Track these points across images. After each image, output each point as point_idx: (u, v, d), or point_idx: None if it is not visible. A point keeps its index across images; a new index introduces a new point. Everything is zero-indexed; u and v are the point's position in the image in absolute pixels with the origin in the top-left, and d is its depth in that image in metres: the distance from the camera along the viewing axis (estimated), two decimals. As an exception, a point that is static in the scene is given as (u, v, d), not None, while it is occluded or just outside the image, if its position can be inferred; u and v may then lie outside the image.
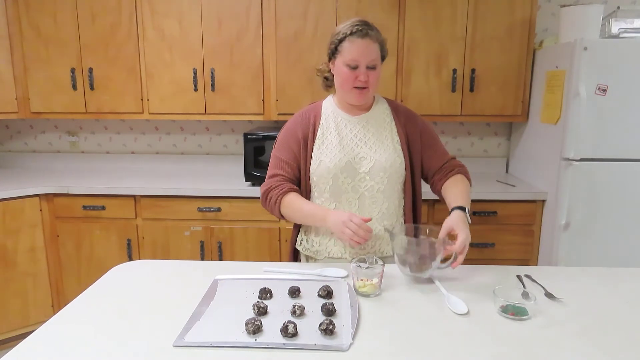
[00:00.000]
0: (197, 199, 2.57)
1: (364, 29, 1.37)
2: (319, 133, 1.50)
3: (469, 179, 1.57)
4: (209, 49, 2.68)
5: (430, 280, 1.32)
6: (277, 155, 1.54)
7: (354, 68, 1.39)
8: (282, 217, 1.52)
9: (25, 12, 2.68)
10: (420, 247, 1.28)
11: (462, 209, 1.38)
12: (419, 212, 1.61)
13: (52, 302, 2.67)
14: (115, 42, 2.69)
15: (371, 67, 1.40)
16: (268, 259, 2.60)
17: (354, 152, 1.47)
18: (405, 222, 1.55)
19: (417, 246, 1.29)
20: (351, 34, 1.37)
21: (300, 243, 1.59)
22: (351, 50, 1.37)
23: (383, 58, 1.46)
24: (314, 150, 1.49)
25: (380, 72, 1.45)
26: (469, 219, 1.37)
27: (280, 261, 2.53)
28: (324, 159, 1.46)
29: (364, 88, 1.41)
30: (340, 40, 1.39)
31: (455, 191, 1.47)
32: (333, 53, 1.43)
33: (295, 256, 1.65)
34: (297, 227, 1.62)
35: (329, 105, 1.55)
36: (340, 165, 1.45)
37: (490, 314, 1.13)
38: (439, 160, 1.56)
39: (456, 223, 1.32)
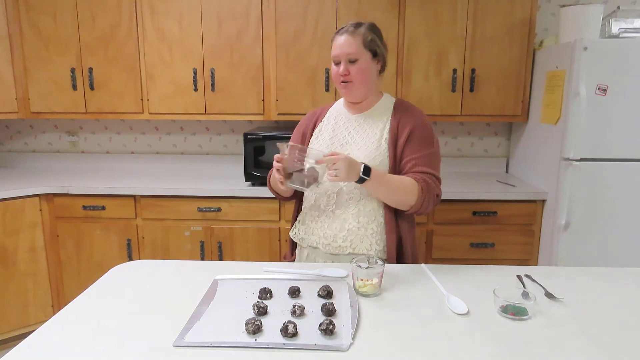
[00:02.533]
0: (197, 199, 2.57)
1: (346, 27, 1.46)
2: (317, 128, 1.60)
3: (422, 193, 1.39)
4: (209, 49, 2.68)
5: (430, 280, 1.32)
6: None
7: (338, 64, 1.48)
8: (275, 193, 1.67)
9: (25, 12, 2.68)
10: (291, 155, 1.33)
11: (367, 169, 1.34)
12: (399, 214, 1.50)
13: (52, 302, 2.67)
14: (115, 42, 2.69)
15: (352, 61, 1.45)
16: (268, 259, 2.60)
17: (342, 148, 1.51)
18: (385, 222, 1.49)
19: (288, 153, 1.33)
20: (336, 33, 1.49)
21: (293, 230, 1.65)
22: (334, 47, 1.48)
23: (374, 53, 1.47)
24: (309, 143, 1.59)
25: (367, 67, 1.46)
26: (361, 173, 1.33)
27: (280, 261, 2.53)
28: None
29: (348, 82, 1.47)
30: (332, 42, 1.50)
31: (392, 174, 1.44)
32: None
33: (293, 246, 1.71)
34: (295, 217, 1.68)
35: (338, 104, 1.64)
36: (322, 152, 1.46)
37: (490, 314, 1.13)
38: (409, 164, 1.45)
39: (346, 154, 1.33)
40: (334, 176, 1.29)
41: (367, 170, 1.34)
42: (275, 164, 1.39)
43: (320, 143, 1.54)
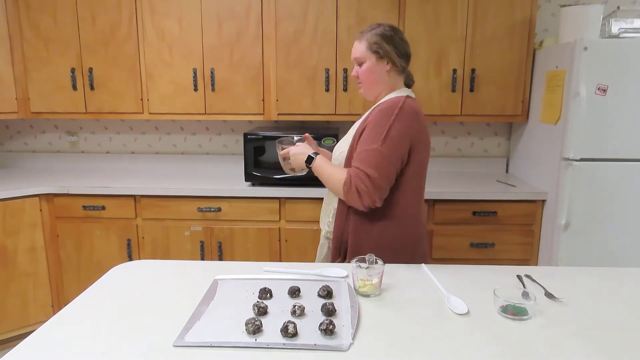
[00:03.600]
0: (197, 199, 2.57)
1: (359, 32, 1.59)
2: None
3: (344, 186, 1.46)
4: (209, 49, 2.68)
5: (430, 281, 1.32)
6: None
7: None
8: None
9: (25, 12, 2.68)
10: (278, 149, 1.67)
11: (315, 155, 1.57)
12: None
13: (52, 302, 2.67)
14: (115, 42, 2.69)
15: (359, 64, 1.59)
16: (268, 259, 2.60)
17: (343, 142, 1.65)
18: (337, 208, 1.62)
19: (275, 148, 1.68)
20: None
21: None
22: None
23: (378, 55, 1.53)
24: None
25: (372, 69, 1.56)
26: (305, 163, 1.58)
27: (280, 261, 2.53)
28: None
29: (360, 83, 1.61)
30: None
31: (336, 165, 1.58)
32: None
33: None
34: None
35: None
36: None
37: (490, 314, 1.13)
38: (353, 158, 1.49)
39: (305, 145, 1.62)
40: (288, 164, 1.63)
41: (310, 159, 1.56)
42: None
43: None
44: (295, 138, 1.71)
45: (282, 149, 1.65)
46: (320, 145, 2.50)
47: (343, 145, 1.61)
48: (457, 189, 2.55)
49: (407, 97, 1.53)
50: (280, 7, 2.61)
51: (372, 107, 1.58)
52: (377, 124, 1.46)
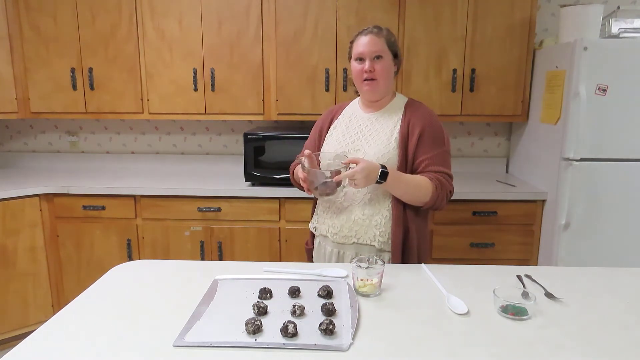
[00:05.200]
0: (197, 199, 2.57)
1: (369, 29, 1.54)
2: (332, 125, 1.68)
3: (436, 191, 1.47)
4: (209, 49, 2.68)
5: (430, 281, 1.32)
6: (306, 141, 1.76)
7: (362, 61, 1.53)
8: (297, 185, 1.66)
9: (25, 12, 2.68)
10: (317, 175, 1.44)
11: (384, 168, 1.41)
12: (408, 208, 1.55)
13: (52, 302, 2.67)
14: (115, 42, 2.69)
15: (377, 57, 1.52)
16: (268, 259, 2.60)
17: (353, 144, 1.58)
18: (391, 215, 1.53)
19: (315, 176, 1.44)
20: (358, 34, 1.56)
21: (312, 220, 1.73)
22: (357, 45, 1.54)
23: (395, 55, 1.57)
24: (325, 139, 1.67)
25: (390, 66, 1.55)
26: (378, 178, 1.41)
27: (280, 261, 2.53)
28: (326, 147, 1.64)
29: (372, 80, 1.52)
30: (352, 43, 1.58)
31: (408, 174, 1.52)
32: (349, 57, 1.59)
33: (313, 235, 1.77)
34: (314, 207, 1.74)
35: (354, 104, 1.70)
36: (335, 153, 1.56)
37: (490, 314, 1.13)
38: (423, 164, 1.51)
39: (364, 161, 1.39)
40: (354, 185, 1.39)
41: (384, 174, 1.41)
42: (300, 175, 1.50)
43: (334, 140, 1.62)
44: (304, 158, 1.47)
45: (319, 172, 1.44)
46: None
47: (380, 149, 1.51)
48: (457, 189, 2.52)
49: None
50: (280, 7, 2.61)
51: (385, 109, 1.60)
52: (434, 128, 1.54)
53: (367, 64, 1.51)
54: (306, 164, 1.47)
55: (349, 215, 1.55)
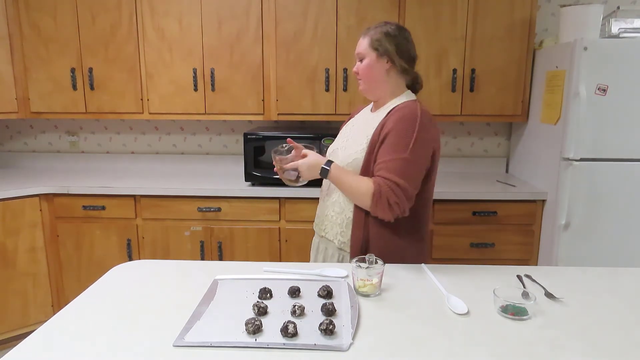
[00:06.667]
0: (197, 199, 2.57)
1: (365, 30, 1.57)
2: (346, 123, 1.74)
3: (373, 198, 1.40)
4: (209, 49, 2.68)
5: (430, 281, 1.32)
6: None
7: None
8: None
9: (25, 12, 2.68)
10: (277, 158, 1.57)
11: (327, 165, 1.48)
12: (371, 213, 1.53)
13: (52, 302, 2.67)
14: (115, 42, 2.69)
15: (360, 60, 1.56)
16: (268, 259, 2.60)
17: (341, 144, 1.62)
18: (353, 217, 1.52)
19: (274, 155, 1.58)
20: None
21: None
22: None
23: (378, 52, 1.51)
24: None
25: (372, 66, 1.53)
26: (319, 174, 1.50)
27: (280, 261, 2.53)
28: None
29: (360, 81, 1.58)
30: None
31: (356, 175, 1.50)
32: None
33: None
34: None
35: (371, 104, 1.70)
36: (329, 152, 1.68)
37: (490, 314, 1.13)
38: (377, 167, 1.44)
39: (311, 155, 1.51)
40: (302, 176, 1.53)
41: (324, 170, 1.48)
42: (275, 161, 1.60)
43: (337, 138, 1.70)
44: (286, 146, 1.59)
45: (279, 159, 1.55)
46: (321, 145, 2.51)
47: (352, 151, 1.53)
48: (457, 189, 2.55)
49: (417, 101, 1.52)
50: (280, 7, 2.61)
51: (378, 110, 1.56)
52: (400, 131, 1.42)
53: (355, 67, 1.58)
54: (284, 150, 1.59)
55: (324, 210, 1.63)
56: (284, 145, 1.58)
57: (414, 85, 1.61)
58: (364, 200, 1.42)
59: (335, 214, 1.57)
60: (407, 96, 1.56)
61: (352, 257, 1.51)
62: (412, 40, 1.55)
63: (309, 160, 1.50)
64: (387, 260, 1.45)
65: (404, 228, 1.51)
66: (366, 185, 1.41)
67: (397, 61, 1.51)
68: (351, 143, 1.56)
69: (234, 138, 3.15)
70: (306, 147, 1.57)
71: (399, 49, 1.51)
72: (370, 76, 1.54)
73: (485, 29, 2.61)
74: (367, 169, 1.48)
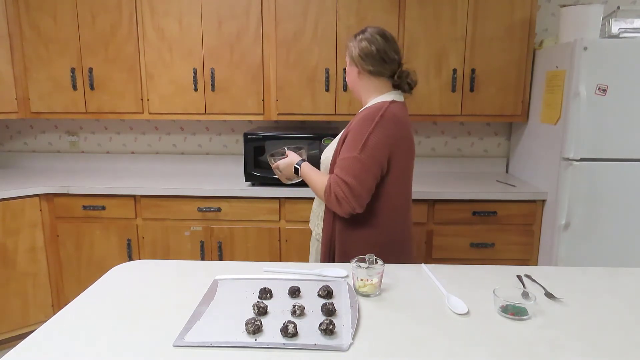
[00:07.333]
0: (197, 199, 2.57)
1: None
2: None
3: (325, 194, 1.51)
4: (209, 49, 2.68)
5: (430, 281, 1.32)
6: None
7: None
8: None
9: (25, 12, 2.68)
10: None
11: (299, 165, 1.64)
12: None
13: (52, 302, 2.67)
14: (115, 42, 2.69)
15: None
16: (268, 259, 2.60)
17: (331, 147, 1.68)
18: (324, 213, 1.63)
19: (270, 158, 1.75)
20: None
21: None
22: None
23: (349, 58, 1.60)
24: None
25: (350, 72, 1.62)
26: (294, 168, 1.67)
27: (280, 261, 2.53)
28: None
29: None
30: None
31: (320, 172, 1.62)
32: None
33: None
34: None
35: None
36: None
37: (490, 314, 1.13)
38: (334, 165, 1.54)
39: (290, 156, 1.69)
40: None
41: (296, 169, 1.65)
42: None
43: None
44: (286, 148, 1.76)
45: (275, 161, 1.73)
46: (321, 145, 2.52)
47: (329, 151, 1.65)
48: (457, 189, 2.55)
49: (392, 102, 1.53)
50: (280, 7, 2.61)
51: (358, 112, 1.59)
52: (357, 131, 1.48)
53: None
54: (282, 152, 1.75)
55: (313, 204, 1.77)
56: (283, 149, 1.75)
57: (402, 86, 1.60)
58: (322, 196, 1.54)
59: (316, 207, 1.73)
60: (386, 97, 1.57)
61: (322, 248, 1.63)
62: (390, 42, 1.56)
63: (287, 160, 1.69)
64: (351, 255, 1.51)
65: (363, 223, 1.57)
66: (322, 182, 1.53)
67: (361, 65, 1.55)
68: (333, 143, 1.67)
69: (234, 138, 3.15)
70: (296, 148, 1.75)
71: (362, 53, 1.54)
72: (349, 81, 1.65)
73: (485, 29, 2.61)
74: (334, 167, 1.57)
